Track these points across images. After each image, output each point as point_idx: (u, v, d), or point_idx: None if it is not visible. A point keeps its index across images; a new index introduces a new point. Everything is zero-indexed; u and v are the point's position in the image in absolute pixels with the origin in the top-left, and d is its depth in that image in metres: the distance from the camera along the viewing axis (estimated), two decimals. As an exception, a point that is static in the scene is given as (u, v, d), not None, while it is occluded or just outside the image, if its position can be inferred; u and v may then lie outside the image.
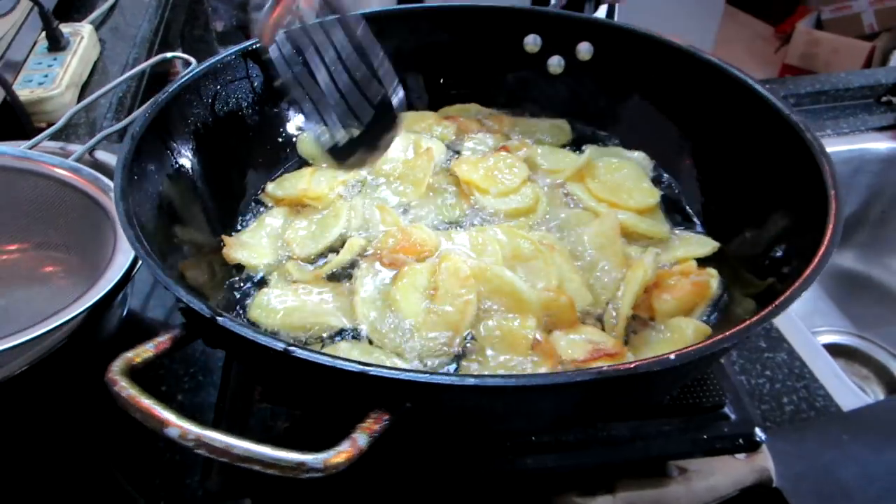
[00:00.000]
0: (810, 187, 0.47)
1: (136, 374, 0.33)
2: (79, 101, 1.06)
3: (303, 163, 0.68)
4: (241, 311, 0.53)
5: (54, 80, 0.99)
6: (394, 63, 0.51)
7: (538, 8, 0.71)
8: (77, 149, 0.69)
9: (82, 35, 1.12)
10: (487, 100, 0.72)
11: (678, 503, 0.50)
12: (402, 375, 0.31)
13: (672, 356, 0.33)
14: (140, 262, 0.55)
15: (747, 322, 0.36)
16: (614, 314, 0.52)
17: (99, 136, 0.69)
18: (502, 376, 0.41)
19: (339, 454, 0.30)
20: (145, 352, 0.35)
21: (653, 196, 0.62)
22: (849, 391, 0.63)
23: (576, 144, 0.70)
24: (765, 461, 0.53)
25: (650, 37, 0.65)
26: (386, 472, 0.47)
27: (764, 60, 3.46)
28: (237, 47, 0.62)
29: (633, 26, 0.66)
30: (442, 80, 0.72)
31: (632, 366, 0.33)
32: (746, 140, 0.58)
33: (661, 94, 0.66)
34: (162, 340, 0.35)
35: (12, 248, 0.64)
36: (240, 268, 0.57)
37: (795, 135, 0.51)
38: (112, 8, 1.35)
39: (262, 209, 0.63)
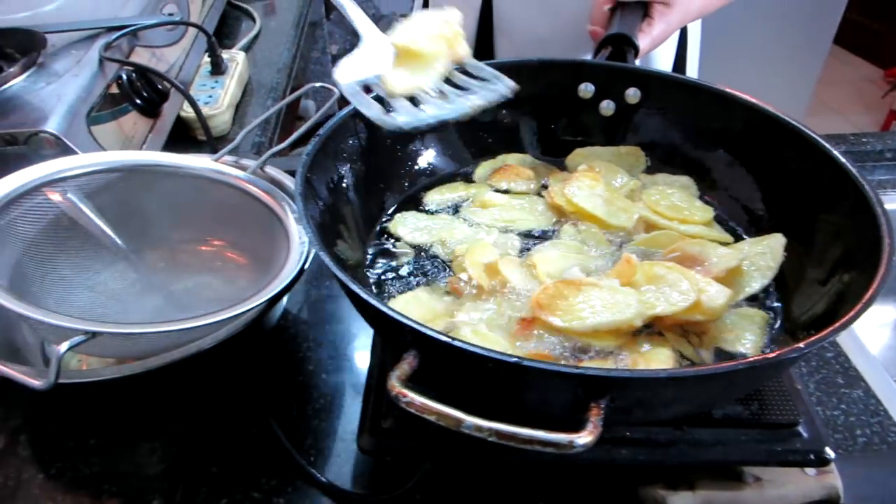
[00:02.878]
0: (864, 228, 0.56)
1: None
2: (234, 119, 1.23)
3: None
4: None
5: (217, 100, 1.16)
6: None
7: (588, 60, 0.82)
8: (250, 163, 0.83)
9: (237, 61, 1.29)
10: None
11: (751, 506, 0.58)
12: (615, 374, 0.43)
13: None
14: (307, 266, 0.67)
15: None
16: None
17: (269, 152, 0.82)
18: (687, 370, 0.51)
19: (590, 433, 0.40)
20: (403, 369, 0.44)
21: (708, 211, 0.73)
22: (921, 431, 0.68)
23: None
24: (834, 480, 0.59)
25: (685, 81, 0.77)
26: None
27: (870, 104, 3.38)
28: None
29: (668, 73, 0.79)
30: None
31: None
32: (788, 169, 0.68)
33: (700, 129, 0.76)
34: (410, 358, 0.45)
35: (201, 243, 0.79)
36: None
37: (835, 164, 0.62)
38: (256, 36, 1.53)
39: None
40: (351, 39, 3.33)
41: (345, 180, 0.69)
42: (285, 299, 0.82)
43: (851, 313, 0.45)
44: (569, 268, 0.64)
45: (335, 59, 3.19)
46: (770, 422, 0.57)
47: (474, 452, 0.57)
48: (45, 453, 0.66)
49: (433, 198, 0.76)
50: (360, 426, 0.57)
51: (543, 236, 0.72)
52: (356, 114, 0.70)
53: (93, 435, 0.67)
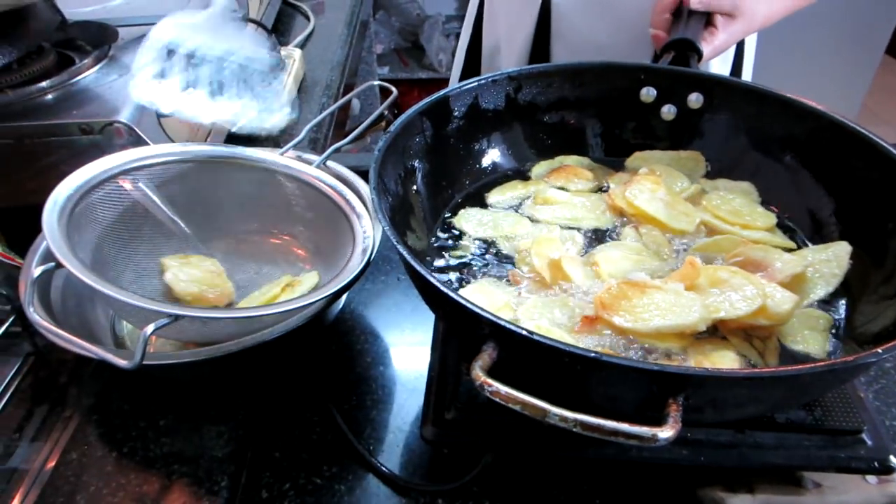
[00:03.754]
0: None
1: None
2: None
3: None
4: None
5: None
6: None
7: (650, 64, 0.83)
8: (312, 158, 0.85)
9: (294, 58, 1.32)
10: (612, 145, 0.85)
11: (811, 512, 0.58)
12: (694, 371, 0.44)
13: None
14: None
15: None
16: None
17: (332, 147, 0.84)
18: (764, 370, 0.50)
19: (671, 428, 0.40)
20: (485, 359, 0.45)
21: (770, 218, 0.73)
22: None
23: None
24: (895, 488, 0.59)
25: (750, 87, 0.77)
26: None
27: (919, 115, 3.31)
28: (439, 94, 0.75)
29: (732, 79, 0.82)
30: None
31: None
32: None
33: (765, 136, 0.77)
34: (490, 350, 0.45)
35: (266, 234, 0.81)
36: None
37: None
38: (310, 34, 1.56)
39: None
40: (395, 39, 3.36)
41: (412, 177, 0.71)
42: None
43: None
44: (631, 270, 0.65)
45: (379, 58, 3.23)
46: (834, 428, 0.57)
47: (535, 446, 0.58)
48: (117, 432, 0.68)
49: (496, 198, 0.78)
50: (424, 417, 0.59)
51: (604, 236, 0.73)
52: (423, 112, 0.72)
53: (163, 416, 0.69)
